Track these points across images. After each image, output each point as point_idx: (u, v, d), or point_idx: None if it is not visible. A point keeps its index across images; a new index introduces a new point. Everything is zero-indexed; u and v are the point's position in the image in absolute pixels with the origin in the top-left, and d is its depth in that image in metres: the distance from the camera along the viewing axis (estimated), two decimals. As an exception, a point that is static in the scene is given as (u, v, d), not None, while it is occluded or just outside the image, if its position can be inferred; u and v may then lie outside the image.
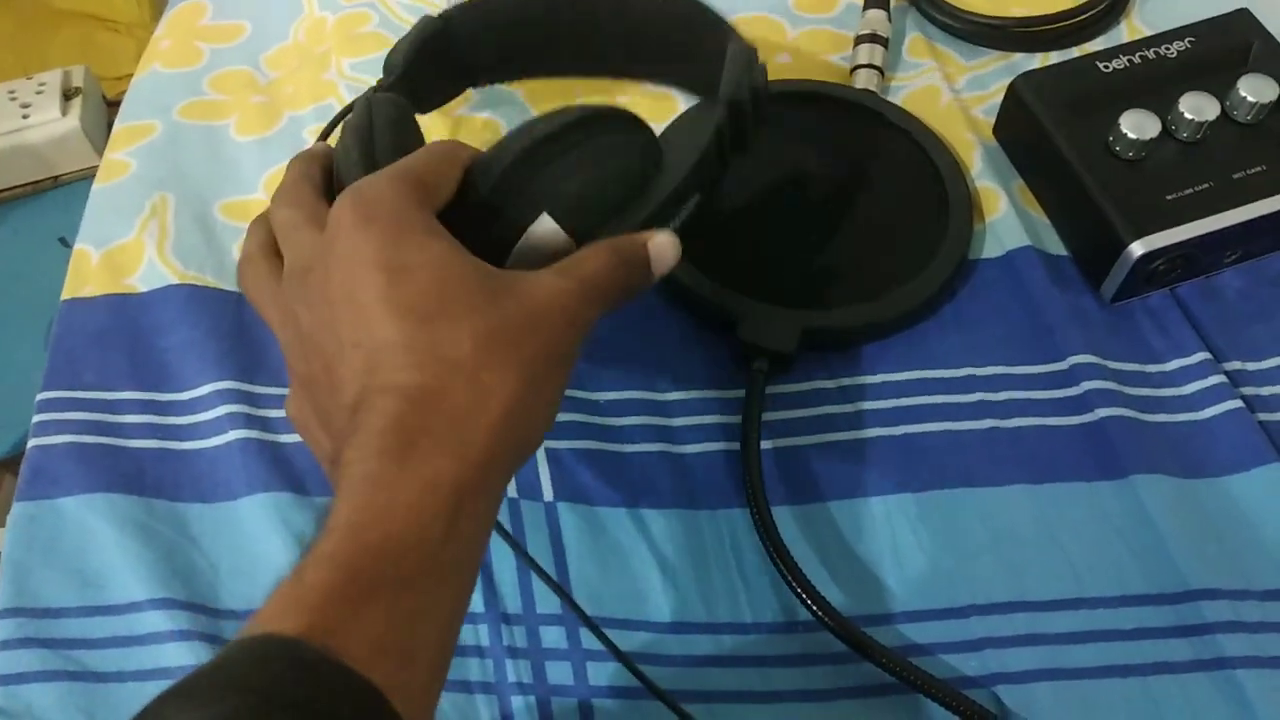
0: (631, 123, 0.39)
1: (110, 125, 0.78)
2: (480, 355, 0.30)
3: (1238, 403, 0.47)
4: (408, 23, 0.64)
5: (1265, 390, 0.48)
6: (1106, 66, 0.53)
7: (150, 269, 0.53)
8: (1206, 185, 0.49)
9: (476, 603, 0.42)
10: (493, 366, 0.30)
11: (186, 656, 0.40)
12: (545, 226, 0.37)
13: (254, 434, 0.47)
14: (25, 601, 0.43)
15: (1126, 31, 0.61)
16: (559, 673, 0.41)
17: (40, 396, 0.49)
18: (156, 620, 0.41)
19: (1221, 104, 0.50)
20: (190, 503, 0.45)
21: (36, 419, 0.48)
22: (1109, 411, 0.47)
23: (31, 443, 0.47)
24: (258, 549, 0.44)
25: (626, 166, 0.39)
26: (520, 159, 0.36)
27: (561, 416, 0.48)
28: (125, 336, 0.51)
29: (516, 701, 0.41)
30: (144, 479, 0.46)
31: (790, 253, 0.52)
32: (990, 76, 0.60)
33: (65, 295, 0.53)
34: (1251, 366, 0.49)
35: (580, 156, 0.37)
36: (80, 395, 0.49)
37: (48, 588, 0.43)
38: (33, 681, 0.40)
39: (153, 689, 0.38)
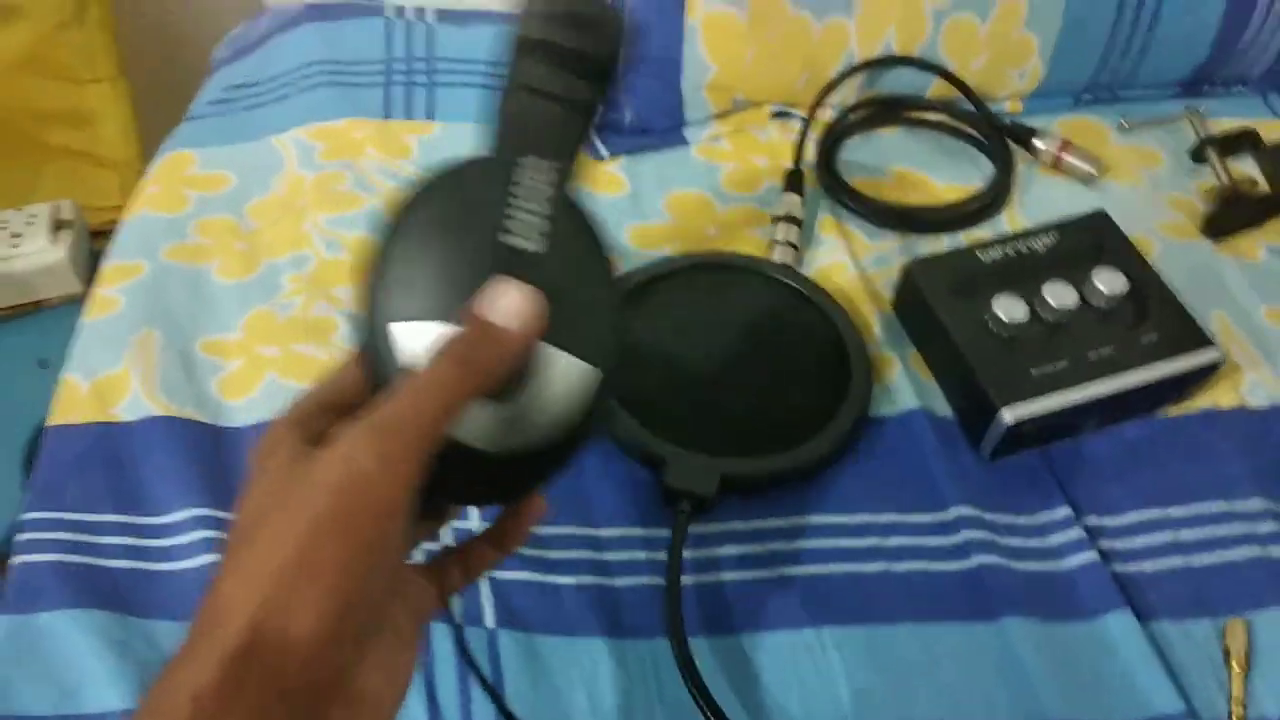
0: None
1: (93, 254, 0.84)
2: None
3: (1094, 555, 0.54)
4: (379, 183, 0.72)
5: (1119, 544, 0.55)
6: (985, 255, 0.62)
7: (135, 401, 0.59)
8: (1066, 363, 0.57)
9: (420, 715, 0.47)
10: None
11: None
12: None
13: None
14: (4, 710, 0.46)
15: (1007, 220, 0.71)
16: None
17: (25, 516, 0.53)
18: None
19: (1079, 292, 0.59)
20: (161, 620, 0.50)
21: (21, 537, 0.52)
22: (984, 559, 0.54)
23: (16, 559, 0.51)
24: None
25: None
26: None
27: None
28: (108, 462, 0.56)
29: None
30: (120, 597, 0.50)
31: (712, 405, 0.59)
32: (892, 254, 0.69)
33: (52, 421, 0.58)
34: (1109, 522, 0.56)
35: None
36: (63, 516, 0.53)
37: (26, 697, 0.47)
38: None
39: None
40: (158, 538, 0.53)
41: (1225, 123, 0.76)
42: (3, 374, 0.78)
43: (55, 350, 0.79)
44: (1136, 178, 0.74)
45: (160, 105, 0.94)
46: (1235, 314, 0.65)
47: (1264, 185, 0.71)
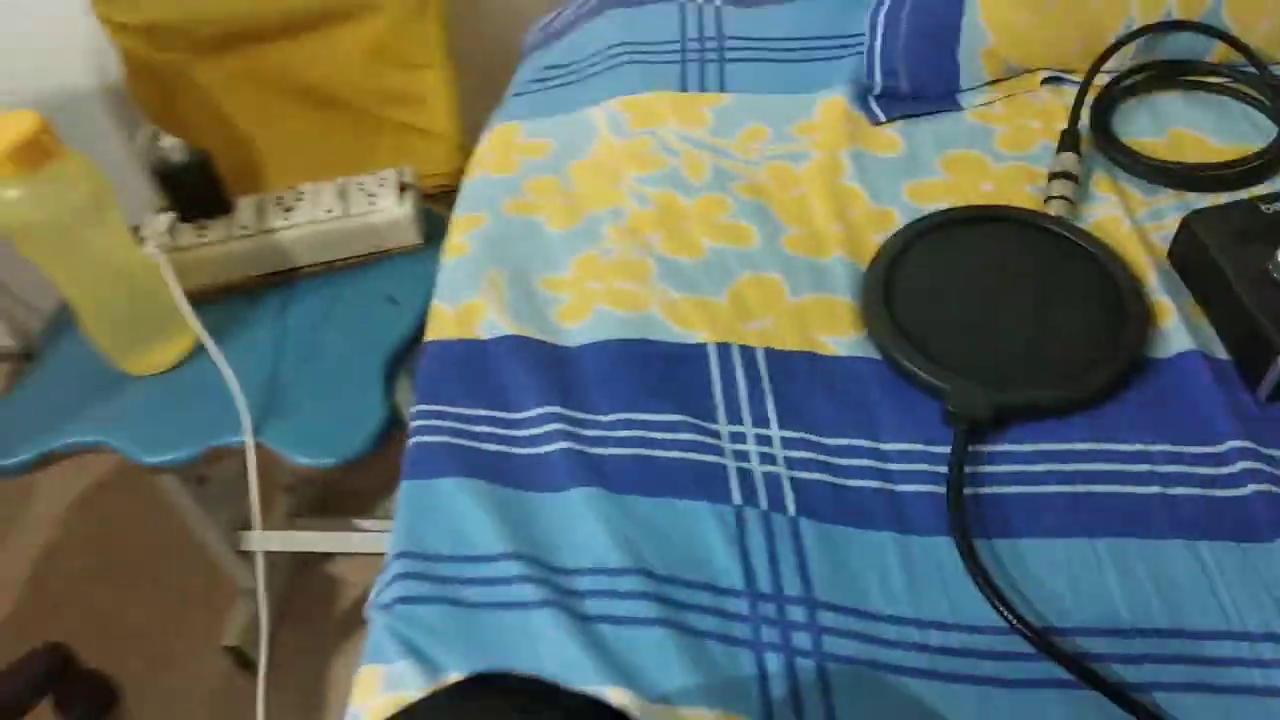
0: None
1: (424, 214, 0.99)
2: None
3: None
4: (679, 148, 0.81)
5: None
6: (1267, 208, 0.65)
7: (491, 323, 0.71)
8: (1351, 310, 0.59)
9: (737, 581, 0.56)
10: None
11: (532, 593, 0.56)
12: None
13: (573, 445, 0.63)
14: (414, 547, 0.59)
15: (1288, 181, 0.72)
16: (801, 639, 0.54)
17: (415, 408, 0.67)
18: (509, 567, 0.57)
19: (1370, 246, 0.61)
20: (528, 491, 0.61)
21: (415, 424, 0.66)
22: (1259, 487, 0.57)
23: (413, 440, 0.65)
24: (576, 526, 0.59)
25: None
26: None
27: (799, 454, 0.62)
28: (475, 369, 0.68)
29: (769, 657, 0.54)
30: (492, 470, 0.62)
31: (990, 341, 0.65)
32: (1166, 210, 0.72)
33: (430, 337, 0.72)
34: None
35: None
36: (444, 408, 0.66)
37: (430, 540, 0.59)
38: (416, 604, 0.56)
39: (509, 617, 0.54)
40: (517, 429, 0.65)
41: None
42: (361, 307, 0.94)
43: (401, 289, 0.95)
44: None
45: (473, 84, 1.09)
46: None
47: None
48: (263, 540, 0.99)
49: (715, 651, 0.54)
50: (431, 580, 0.58)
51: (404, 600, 0.57)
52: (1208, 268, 0.64)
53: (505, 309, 0.72)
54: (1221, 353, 0.64)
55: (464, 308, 0.73)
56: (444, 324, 0.72)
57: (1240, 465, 0.58)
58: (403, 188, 0.97)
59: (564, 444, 0.63)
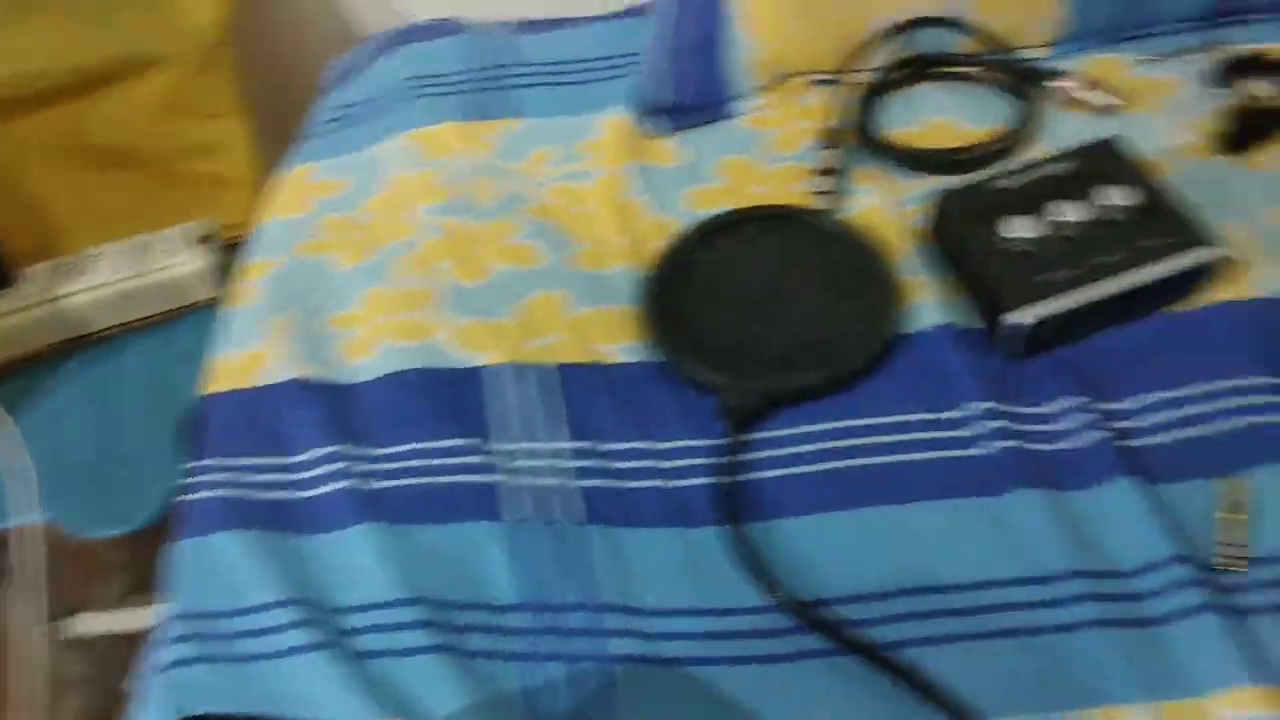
0: None
1: (225, 266, 0.97)
2: None
3: (1103, 434, 0.60)
4: (469, 176, 0.82)
5: (1129, 424, 0.61)
6: (1003, 183, 0.69)
7: (272, 370, 0.71)
8: (1074, 270, 0.63)
9: (515, 595, 0.57)
10: None
11: (305, 638, 0.56)
12: None
13: (353, 483, 0.63)
14: (189, 607, 0.59)
15: (1032, 155, 0.77)
16: (582, 646, 0.55)
17: (192, 465, 0.67)
18: (280, 615, 0.58)
19: (1089, 208, 0.66)
20: (304, 535, 0.62)
21: (190, 480, 0.65)
22: (1003, 444, 0.61)
23: (188, 496, 0.64)
24: (353, 564, 0.60)
25: None
26: None
27: (585, 463, 0.63)
28: (252, 419, 0.68)
29: (549, 667, 0.55)
30: (269, 520, 0.63)
31: (760, 333, 0.67)
32: (923, 195, 0.76)
33: (207, 391, 0.71)
34: (1120, 406, 0.62)
35: None
36: (222, 462, 0.66)
37: (205, 598, 0.59)
38: (192, 665, 0.56)
39: (282, 666, 0.54)
40: (294, 473, 0.65)
41: (1245, 49, 0.80)
42: (160, 367, 0.92)
43: (202, 345, 0.93)
44: (1156, 106, 0.79)
45: (269, 128, 1.08)
46: (1246, 220, 0.70)
47: (1280, 98, 0.75)
48: (88, 623, 0.96)
49: (494, 670, 0.55)
50: (206, 639, 0.58)
51: (178, 664, 0.57)
52: (953, 242, 0.68)
53: (289, 353, 0.72)
54: (975, 323, 0.68)
55: (246, 356, 0.73)
56: (224, 375, 0.72)
57: (984, 425, 0.62)
58: (199, 241, 0.95)
59: (343, 483, 0.63)
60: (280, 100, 1.09)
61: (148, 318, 0.95)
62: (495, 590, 0.58)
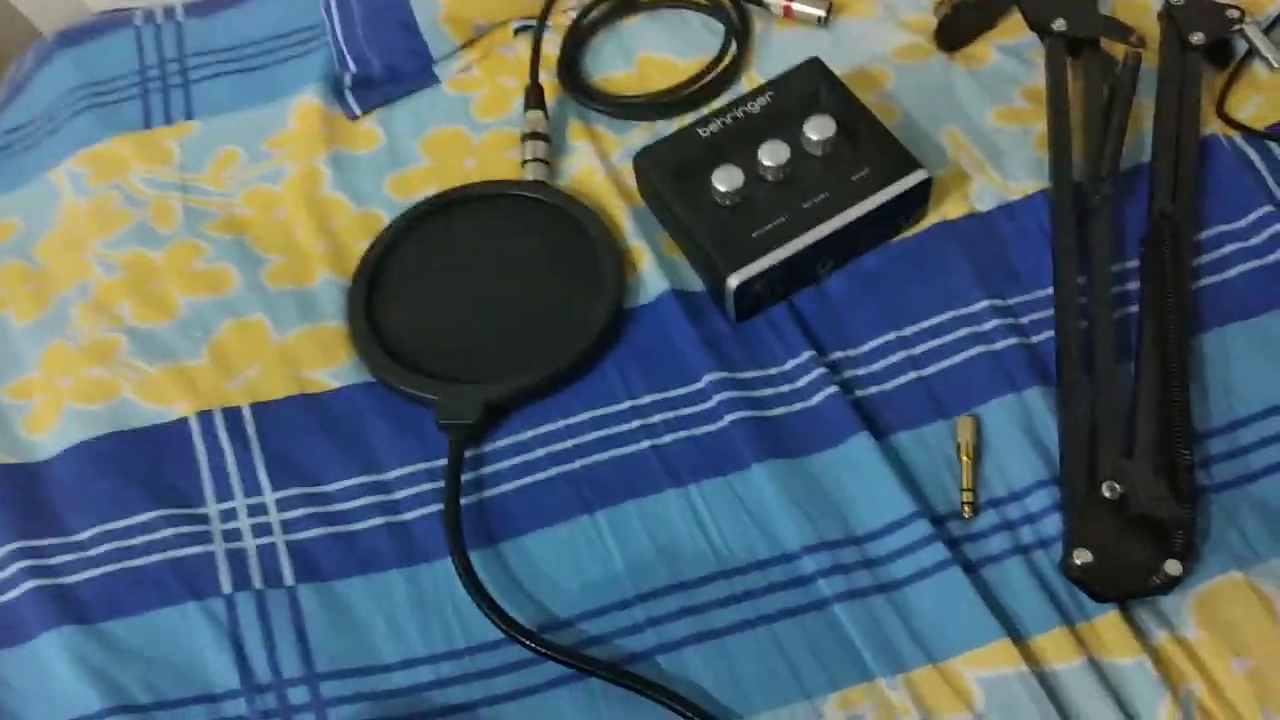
0: None
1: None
2: None
3: (835, 388, 0.58)
4: (146, 195, 0.74)
5: (860, 371, 0.59)
6: (705, 130, 0.65)
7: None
8: (784, 218, 0.60)
9: (232, 680, 0.52)
10: None
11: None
12: None
13: (41, 582, 0.56)
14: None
15: (747, 83, 0.73)
16: (307, 722, 0.51)
17: None
18: None
19: (792, 146, 0.62)
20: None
21: None
22: (736, 415, 0.58)
23: None
24: (46, 678, 0.53)
25: None
26: None
27: (297, 513, 0.58)
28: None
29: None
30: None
31: (476, 335, 0.62)
32: (638, 147, 0.71)
33: None
34: (849, 353, 0.60)
35: None
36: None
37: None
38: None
39: None
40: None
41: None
42: None
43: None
44: (870, 9, 0.75)
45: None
46: (965, 124, 0.68)
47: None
48: None
49: (210, 775, 0.50)
50: None
51: None
52: (661, 202, 0.64)
53: (-40, 437, 0.63)
54: (698, 285, 0.64)
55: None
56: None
57: (717, 398, 0.59)
58: None
59: (30, 583, 0.56)
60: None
61: None
62: (210, 677, 0.53)
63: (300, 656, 0.53)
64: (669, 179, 0.63)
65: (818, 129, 0.62)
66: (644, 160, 0.65)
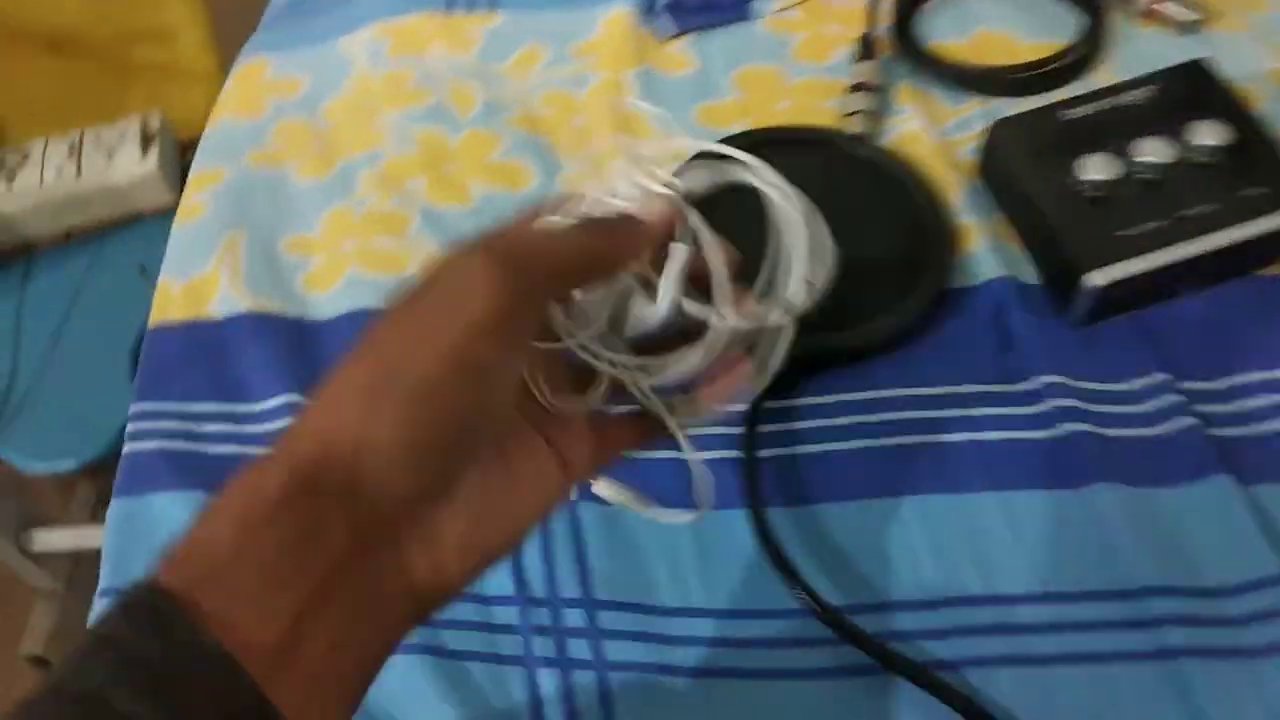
0: None
1: (183, 166, 0.87)
2: None
3: (1191, 419, 0.52)
4: (445, 77, 0.71)
5: (1219, 408, 0.53)
6: (1072, 113, 0.59)
7: (225, 298, 0.61)
8: (1159, 221, 0.54)
9: (506, 586, 0.49)
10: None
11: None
12: None
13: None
14: (123, 583, 0.50)
15: (1099, 78, 0.67)
16: (579, 649, 0.47)
17: (134, 408, 0.57)
18: None
19: (1175, 146, 0.56)
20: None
21: (131, 427, 0.55)
22: (1072, 426, 0.52)
23: (127, 447, 0.55)
24: None
25: None
26: None
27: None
28: (204, 356, 0.58)
29: (543, 674, 0.47)
30: (221, 479, 0.53)
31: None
32: (974, 120, 0.66)
33: (152, 322, 0.61)
34: (1208, 386, 0.54)
35: None
36: (166, 407, 0.56)
37: (140, 572, 0.50)
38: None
39: None
40: (254, 424, 0.56)
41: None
42: (107, 281, 0.82)
43: (153, 258, 0.83)
44: (1241, 24, 0.69)
45: (236, 15, 0.95)
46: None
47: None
48: (51, 539, 0.88)
49: (480, 675, 0.47)
50: None
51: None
52: (1010, 183, 0.59)
53: (242, 280, 0.62)
54: (1032, 277, 0.59)
55: (194, 282, 0.63)
56: (169, 303, 0.62)
57: (1052, 402, 0.53)
58: (147, 139, 0.84)
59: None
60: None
61: (90, 226, 0.84)
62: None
63: (578, 576, 0.49)
64: (1026, 157, 0.58)
65: (1209, 134, 0.56)
66: (1003, 131, 0.59)
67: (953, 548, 0.50)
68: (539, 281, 0.28)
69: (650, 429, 0.36)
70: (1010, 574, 0.49)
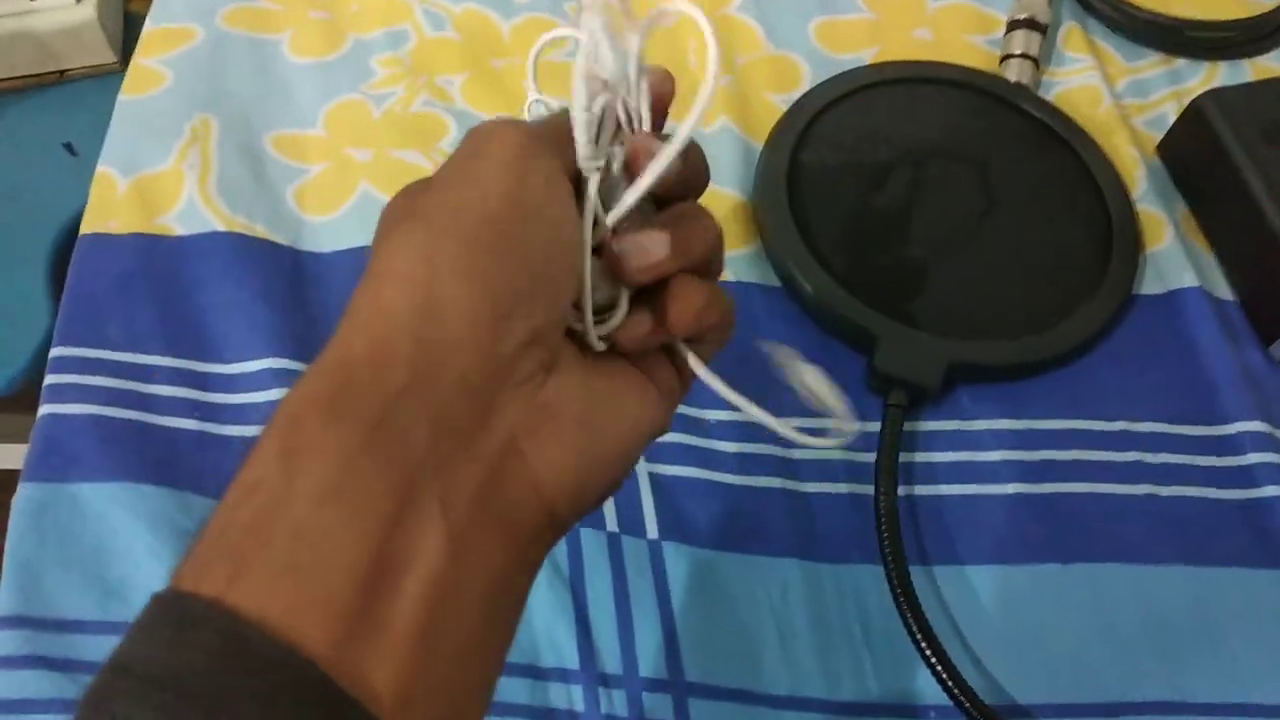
0: None
1: (129, 19, 0.69)
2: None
3: None
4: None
5: None
6: (1305, 91, 0.47)
7: (190, 208, 0.46)
8: None
9: (570, 658, 0.36)
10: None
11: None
12: None
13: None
14: (34, 610, 0.36)
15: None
16: None
17: (54, 352, 0.41)
18: None
19: None
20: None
21: (50, 380, 0.41)
22: (1277, 490, 0.41)
23: (43, 409, 0.40)
24: None
25: None
26: None
27: (665, 437, 0.41)
28: (159, 287, 0.43)
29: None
30: (179, 467, 0.39)
31: (937, 270, 0.45)
32: (1152, 83, 0.53)
33: (85, 228, 0.45)
34: None
35: None
36: (104, 356, 0.41)
37: (61, 594, 0.36)
38: (38, 713, 0.34)
39: None
40: (225, 391, 0.41)
41: None
42: (23, 158, 0.65)
43: (85, 133, 0.66)
44: None
45: None
46: None
47: None
48: None
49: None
50: (63, 669, 0.35)
51: (12, 706, 0.34)
52: (1220, 172, 0.47)
53: (213, 184, 0.47)
54: (1224, 291, 0.47)
55: (145, 179, 0.47)
56: (110, 205, 0.46)
57: (1253, 457, 0.42)
58: (87, -24, 0.66)
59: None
60: None
61: (2, 83, 0.66)
62: (539, 644, 0.37)
63: (661, 646, 0.37)
64: (1250, 139, 0.46)
65: None
66: (1213, 104, 0.47)
67: (1131, 635, 0.39)
68: (554, 134, 0.25)
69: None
70: (1202, 675, 0.38)
